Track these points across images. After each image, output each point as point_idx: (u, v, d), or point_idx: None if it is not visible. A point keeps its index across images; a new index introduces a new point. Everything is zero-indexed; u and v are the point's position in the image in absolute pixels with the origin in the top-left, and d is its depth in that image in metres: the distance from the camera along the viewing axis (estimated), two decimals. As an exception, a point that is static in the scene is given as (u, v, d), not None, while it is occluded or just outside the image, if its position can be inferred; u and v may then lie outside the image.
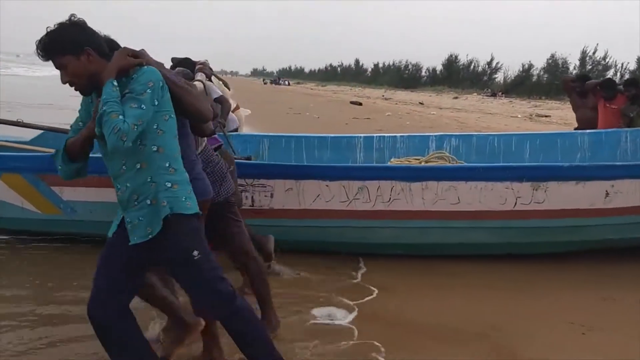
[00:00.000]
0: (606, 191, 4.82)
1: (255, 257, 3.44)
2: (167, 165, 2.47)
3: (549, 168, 5.05)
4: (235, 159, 4.96)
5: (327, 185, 4.74)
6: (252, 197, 4.74)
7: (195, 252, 2.48)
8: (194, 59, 5.66)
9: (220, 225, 3.26)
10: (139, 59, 2.42)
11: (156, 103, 2.39)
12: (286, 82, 74.53)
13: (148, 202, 2.44)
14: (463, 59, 58.01)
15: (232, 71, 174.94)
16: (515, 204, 4.81)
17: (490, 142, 6.99)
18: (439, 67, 59.52)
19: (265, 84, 74.82)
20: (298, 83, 79.62)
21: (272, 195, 4.75)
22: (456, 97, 41.46)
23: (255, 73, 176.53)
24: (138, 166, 2.44)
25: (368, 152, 6.75)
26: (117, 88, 2.35)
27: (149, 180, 2.44)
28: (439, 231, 4.90)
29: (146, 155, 2.43)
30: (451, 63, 57.72)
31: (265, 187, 4.73)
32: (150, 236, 2.44)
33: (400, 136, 6.94)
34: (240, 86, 66.33)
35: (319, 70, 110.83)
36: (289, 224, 4.80)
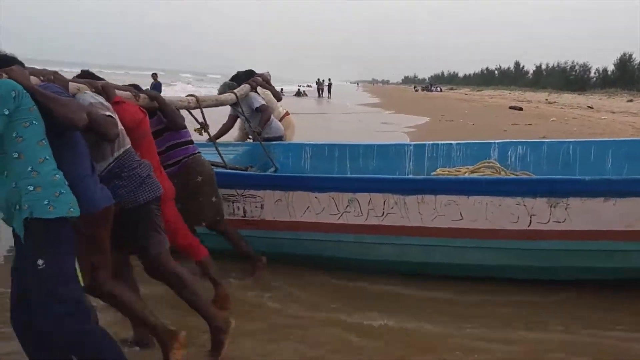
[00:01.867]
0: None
1: (173, 271, 3.37)
2: (30, 169, 2.52)
3: (568, 182, 4.31)
4: (232, 168, 4.99)
5: (316, 197, 4.53)
6: (244, 207, 4.69)
7: (40, 262, 2.50)
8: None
9: (138, 230, 3.28)
10: None
11: (6, 112, 2.47)
12: (438, 89, 72.86)
13: (17, 207, 2.53)
14: (639, 58, 52.44)
15: (382, 80, 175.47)
16: (530, 222, 4.20)
17: (564, 150, 6.19)
18: (611, 68, 54.33)
19: (416, 90, 73.88)
20: (451, 89, 77.52)
21: (262, 206, 4.65)
22: (630, 100, 37.46)
23: (407, 80, 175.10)
24: (5, 174, 2.54)
25: (419, 161, 6.33)
26: None
27: (14, 186, 2.53)
28: (443, 250, 4.44)
29: (8, 162, 2.52)
30: (624, 62, 52.36)
31: (256, 197, 4.65)
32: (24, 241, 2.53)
33: (457, 144, 6.40)
34: (390, 93, 66.42)
35: (474, 74, 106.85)
36: (280, 236, 4.67)
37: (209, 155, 4.97)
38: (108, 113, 3.10)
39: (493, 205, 4.24)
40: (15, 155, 2.52)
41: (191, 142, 4.35)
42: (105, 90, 3.44)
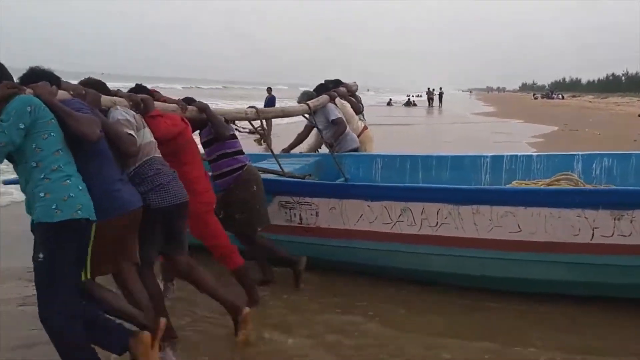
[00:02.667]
0: None
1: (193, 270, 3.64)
2: (42, 176, 2.81)
3: (631, 193, 3.97)
4: (290, 176, 5.10)
5: (369, 206, 4.52)
6: (300, 214, 4.77)
7: (41, 255, 2.79)
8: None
9: (171, 229, 3.57)
10: (13, 89, 2.82)
11: (22, 126, 2.75)
12: (560, 96, 68.97)
13: (33, 211, 2.85)
14: None
15: (498, 87, 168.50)
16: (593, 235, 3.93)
17: (656, 163, 5.73)
18: None
19: (535, 98, 70.36)
20: (573, 96, 72.96)
21: (317, 214, 4.71)
22: None
23: (525, 88, 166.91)
24: (26, 182, 2.87)
25: (496, 173, 6.10)
26: None
27: (32, 192, 2.85)
28: (500, 263, 4.25)
29: (29, 171, 2.84)
30: None
31: (311, 205, 4.72)
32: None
33: (537, 155, 6.14)
34: (506, 101, 63.38)
35: (598, 80, 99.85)
36: (334, 243, 4.70)
37: (271, 164, 5.15)
38: (130, 132, 3.35)
39: (552, 217, 4.01)
40: (34, 164, 2.83)
41: (241, 152, 4.52)
42: (145, 103, 3.70)
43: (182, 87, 66.21)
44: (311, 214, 4.73)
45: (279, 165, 5.21)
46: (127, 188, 3.24)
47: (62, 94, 3.11)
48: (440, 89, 51.92)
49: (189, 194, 3.73)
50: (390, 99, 53.76)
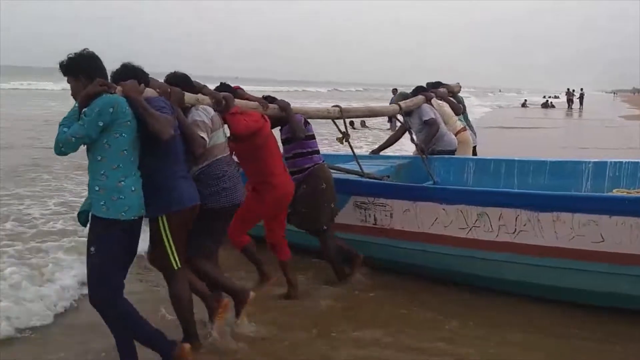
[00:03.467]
0: None
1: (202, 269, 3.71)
2: (102, 172, 3.02)
3: None
4: (370, 177, 5.09)
5: (444, 209, 4.39)
6: (374, 215, 4.74)
7: (92, 248, 3.03)
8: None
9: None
10: (103, 87, 3.02)
11: (100, 124, 2.96)
12: None
13: (88, 202, 3.11)
14: None
15: (633, 88, 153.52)
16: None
17: None
18: None
19: None
20: None
21: (391, 215, 4.65)
22: None
23: None
24: (89, 173, 3.10)
25: (598, 180, 5.67)
26: (77, 108, 3.03)
27: (90, 182, 3.09)
28: (580, 274, 3.96)
29: (92, 163, 3.07)
30: None
31: (385, 206, 4.67)
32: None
33: (644, 162, 5.61)
34: None
35: None
36: (408, 246, 4.62)
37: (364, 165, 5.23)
38: (202, 134, 3.51)
39: (638, 227, 3.67)
40: (99, 158, 3.03)
41: (316, 152, 4.61)
42: (226, 101, 3.84)
43: (327, 90, 68.85)
44: (385, 215, 4.69)
45: (359, 165, 5.20)
46: (187, 185, 3.39)
47: (148, 91, 3.31)
48: (581, 90, 48.32)
49: (266, 187, 4.04)
50: (525, 100, 51.09)
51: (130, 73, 3.30)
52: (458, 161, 6.29)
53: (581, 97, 46.68)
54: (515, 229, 4.12)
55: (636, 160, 5.65)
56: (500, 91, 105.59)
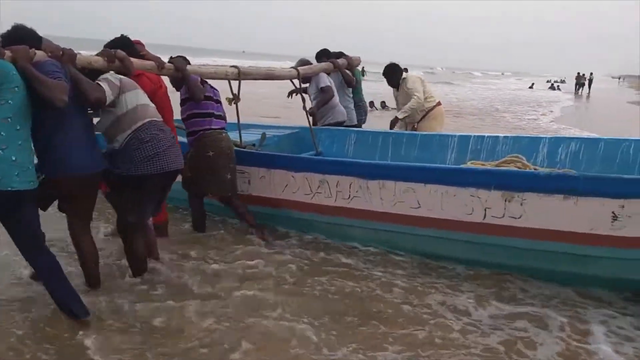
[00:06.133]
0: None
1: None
2: None
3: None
4: (238, 147, 5.37)
5: (293, 177, 4.79)
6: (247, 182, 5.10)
7: None
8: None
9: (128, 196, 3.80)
10: None
11: None
12: None
13: None
14: None
15: None
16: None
17: (624, 149, 5.57)
18: None
19: None
20: None
21: (249, 182, 5.03)
22: None
23: None
24: None
25: (461, 153, 6.13)
26: None
27: None
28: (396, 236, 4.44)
29: None
30: None
31: (244, 173, 5.04)
32: None
33: (504, 137, 6.07)
34: None
35: None
36: (262, 210, 5.02)
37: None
38: (102, 84, 3.50)
39: (448, 195, 4.13)
40: None
41: (218, 117, 4.73)
42: (122, 62, 3.86)
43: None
44: (244, 182, 5.06)
45: (240, 136, 5.48)
46: (82, 153, 3.39)
47: (39, 54, 3.22)
48: (591, 74, 45.85)
49: None
50: (533, 84, 50.44)
51: (22, 36, 3.22)
52: (341, 133, 6.65)
53: (590, 82, 44.74)
54: (350, 194, 4.55)
55: (496, 135, 6.11)
56: (502, 74, 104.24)
